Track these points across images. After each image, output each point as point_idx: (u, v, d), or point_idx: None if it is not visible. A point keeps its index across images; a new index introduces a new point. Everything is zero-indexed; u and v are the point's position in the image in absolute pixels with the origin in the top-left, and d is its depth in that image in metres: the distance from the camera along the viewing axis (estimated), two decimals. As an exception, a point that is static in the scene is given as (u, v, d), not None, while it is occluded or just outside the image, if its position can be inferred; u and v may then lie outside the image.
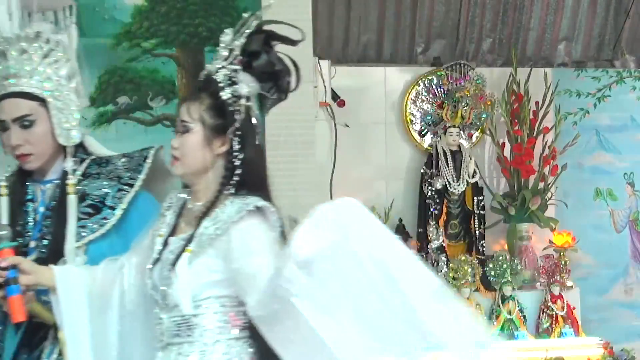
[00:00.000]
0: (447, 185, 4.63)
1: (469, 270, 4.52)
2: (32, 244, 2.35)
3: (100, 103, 4.39)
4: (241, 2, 4.47)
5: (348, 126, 4.69)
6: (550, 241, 4.79)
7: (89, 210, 2.38)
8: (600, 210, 5.14)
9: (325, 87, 4.53)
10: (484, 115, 4.69)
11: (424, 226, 4.64)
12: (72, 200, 2.35)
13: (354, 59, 5.03)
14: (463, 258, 4.55)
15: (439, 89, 4.78)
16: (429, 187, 4.64)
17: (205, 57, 4.49)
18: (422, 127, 4.80)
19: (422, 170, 4.70)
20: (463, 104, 4.65)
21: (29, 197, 2.41)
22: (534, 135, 4.78)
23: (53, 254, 2.32)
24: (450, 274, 4.52)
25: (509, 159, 4.79)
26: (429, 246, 4.60)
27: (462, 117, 4.65)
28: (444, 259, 4.57)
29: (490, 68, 5.09)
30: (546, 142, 4.81)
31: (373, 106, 4.85)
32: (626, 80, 5.19)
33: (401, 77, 4.89)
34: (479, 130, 4.82)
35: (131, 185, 2.43)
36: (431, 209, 4.63)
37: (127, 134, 4.40)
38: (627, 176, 5.17)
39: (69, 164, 2.39)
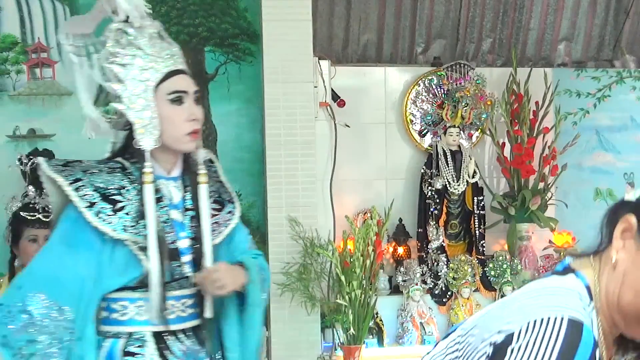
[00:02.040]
0: (447, 185, 4.63)
1: (469, 270, 4.53)
2: (185, 243, 2.33)
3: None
4: (241, 2, 4.47)
5: (348, 126, 4.69)
6: (550, 241, 4.79)
7: (215, 205, 2.39)
8: (600, 210, 5.07)
9: (325, 87, 4.53)
10: (484, 115, 4.69)
11: (424, 226, 4.64)
12: (204, 193, 2.32)
13: (354, 59, 5.03)
14: (463, 258, 4.55)
15: (439, 89, 4.78)
16: (429, 187, 4.64)
17: (205, 57, 4.49)
18: (422, 127, 4.79)
19: (422, 170, 4.69)
20: (463, 104, 4.65)
21: (160, 194, 2.31)
22: (534, 135, 4.78)
23: (199, 254, 2.32)
24: (450, 274, 4.52)
25: (509, 159, 4.79)
26: (429, 246, 4.60)
27: (462, 117, 4.65)
28: (444, 259, 4.57)
29: (490, 68, 5.09)
30: (546, 142, 4.81)
31: (373, 106, 4.85)
32: (626, 80, 5.18)
33: (401, 77, 4.89)
34: (479, 130, 4.82)
35: (221, 182, 2.47)
36: (431, 209, 4.63)
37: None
38: (627, 176, 5.17)
39: (202, 155, 2.36)
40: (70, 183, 2.23)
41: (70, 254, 2.19)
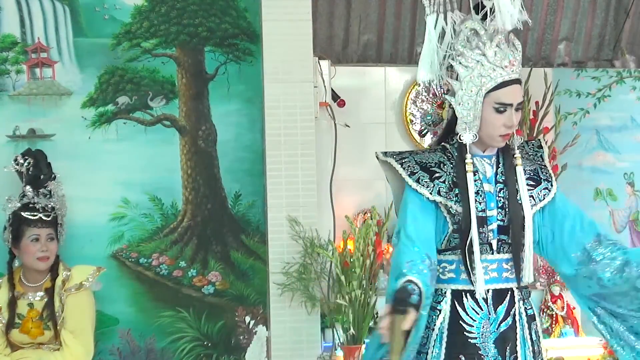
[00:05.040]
0: (447, 185, 4.63)
1: (469, 270, 4.52)
2: (494, 212, 2.62)
3: (100, 103, 4.40)
4: (241, 2, 4.47)
5: (348, 126, 4.69)
6: (550, 241, 4.78)
7: (530, 182, 2.68)
8: (600, 210, 5.13)
9: (325, 87, 4.53)
10: (484, 115, 4.69)
11: (424, 226, 4.63)
12: (521, 172, 2.64)
13: (354, 59, 5.03)
14: (463, 258, 4.54)
15: (439, 89, 4.77)
16: (429, 187, 4.63)
17: (205, 57, 4.49)
18: (422, 127, 4.79)
19: (422, 170, 4.69)
20: (463, 104, 4.64)
21: (474, 169, 2.64)
22: (534, 135, 4.78)
23: (511, 221, 2.61)
24: (450, 274, 4.51)
25: (509, 159, 4.79)
26: (429, 246, 4.59)
27: (462, 117, 4.65)
28: (444, 259, 4.56)
29: (491, 68, 5.08)
30: (546, 142, 4.81)
31: (373, 106, 4.85)
32: (626, 80, 5.18)
33: (401, 77, 4.89)
34: (479, 130, 4.81)
35: (544, 165, 2.74)
36: (431, 209, 4.62)
37: (127, 134, 4.41)
38: (627, 176, 5.17)
39: (517, 142, 2.68)
40: (397, 160, 2.69)
41: (424, 221, 2.62)
